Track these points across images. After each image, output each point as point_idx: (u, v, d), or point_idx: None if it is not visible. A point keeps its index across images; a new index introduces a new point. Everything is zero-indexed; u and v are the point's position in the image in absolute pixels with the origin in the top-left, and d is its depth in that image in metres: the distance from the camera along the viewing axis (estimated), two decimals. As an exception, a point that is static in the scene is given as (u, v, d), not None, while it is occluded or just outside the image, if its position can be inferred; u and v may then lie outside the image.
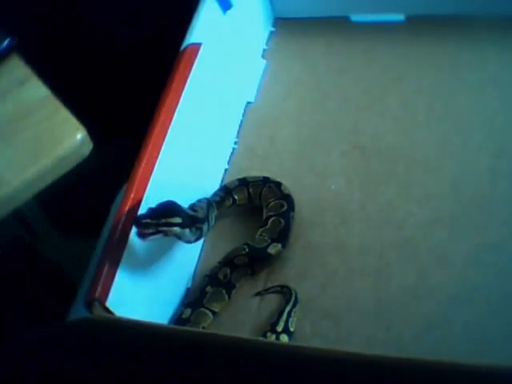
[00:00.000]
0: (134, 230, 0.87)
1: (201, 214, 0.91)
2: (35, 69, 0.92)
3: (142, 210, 0.89)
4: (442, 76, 1.11)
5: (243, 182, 1.02)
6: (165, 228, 0.85)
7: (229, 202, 1.01)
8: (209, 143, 1.06)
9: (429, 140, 1.04)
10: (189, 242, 0.90)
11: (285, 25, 1.24)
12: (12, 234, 1.24)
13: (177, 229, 0.86)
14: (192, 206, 0.93)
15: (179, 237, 0.88)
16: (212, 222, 0.95)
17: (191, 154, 1.01)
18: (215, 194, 1.01)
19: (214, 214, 0.95)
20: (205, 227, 0.92)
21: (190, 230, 0.88)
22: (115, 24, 1.28)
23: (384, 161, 1.03)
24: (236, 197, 1.01)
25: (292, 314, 0.90)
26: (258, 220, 1.00)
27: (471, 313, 0.86)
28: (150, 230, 0.84)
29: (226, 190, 1.01)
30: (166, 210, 0.86)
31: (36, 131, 0.86)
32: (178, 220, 0.86)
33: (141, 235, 0.84)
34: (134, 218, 0.85)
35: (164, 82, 0.99)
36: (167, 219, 0.85)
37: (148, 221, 0.84)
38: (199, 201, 0.95)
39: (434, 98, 1.09)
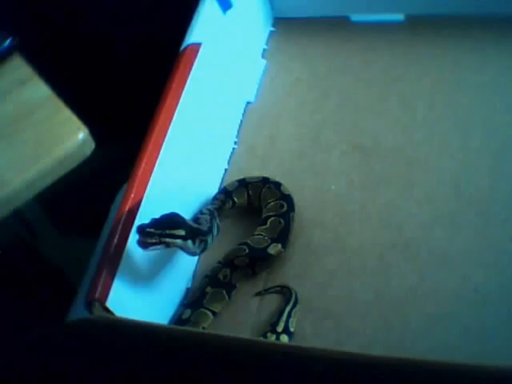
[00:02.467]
0: (133, 231, 0.87)
1: (204, 227, 0.91)
2: (35, 69, 0.92)
3: (142, 211, 0.89)
4: (441, 76, 1.11)
5: (243, 183, 1.02)
6: (168, 239, 0.84)
7: (229, 205, 1.01)
8: (209, 143, 1.06)
9: (429, 140, 1.04)
10: (194, 254, 0.90)
11: (285, 25, 1.24)
12: (12, 234, 1.24)
13: (179, 241, 0.85)
14: (196, 219, 0.93)
15: (182, 249, 0.88)
16: (215, 232, 0.94)
17: (191, 154, 1.01)
18: (215, 198, 1.01)
19: (216, 224, 0.95)
20: (209, 239, 0.91)
21: (194, 243, 0.87)
22: (115, 24, 1.28)
23: (384, 161, 1.03)
24: (236, 199, 1.01)
25: (292, 314, 0.90)
26: (258, 220, 1.00)
27: (471, 313, 0.86)
28: (153, 240, 0.83)
29: (225, 193, 1.01)
30: (170, 222, 0.86)
31: (37, 131, 0.86)
32: (181, 232, 0.85)
33: (142, 245, 0.83)
34: (137, 226, 0.84)
35: (164, 82, 0.99)
36: (171, 231, 0.85)
37: (152, 230, 0.83)
38: (202, 212, 0.95)
39: (434, 98, 1.09)
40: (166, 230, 0.84)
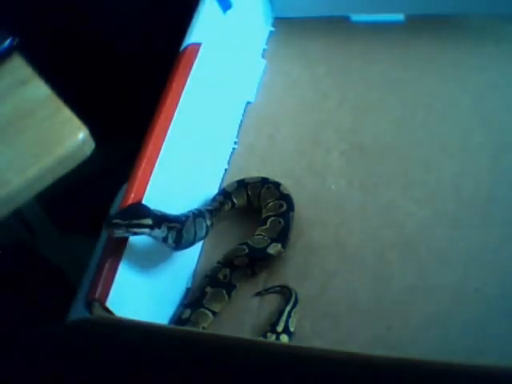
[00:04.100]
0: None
1: (172, 216, 0.90)
2: (35, 69, 0.92)
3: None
4: (441, 76, 1.11)
5: (242, 184, 1.02)
6: (135, 229, 0.85)
7: (228, 206, 1.00)
8: (209, 143, 1.06)
9: (429, 140, 1.04)
10: (168, 244, 0.89)
11: (285, 25, 1.24)
12: (12, 234, 1.24)
13: (147, 230, 0.86)
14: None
15: (153, 237, 0.88)
16: (201, 232, 0.94)
17: (191, 154, 1.01)
18: (214, 199, 1.01)
19: (205, 224, 0.94)
20: (186, 234, 0.90)
21: (161, 230, 0.87)
22: (115, 24, 1.28)
23: (384, 161, 1.03)
24: (235, 200, 1.01)
25: (292, 314, 0.90)
26: (257, 220, 1.00)
27: (471, 313, 0.86)
28: (120, 231, 0.84)
29: (224, 194, 1.01)
30: (137, 211, 0.86)
31: (38, 131, 0.86)
32: (148, 221, 0.86)
33: (110, 234, 0.85)
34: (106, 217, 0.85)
35: (164, 82, 0.99)
36: (138, 220, 0.85)
37: (118, 221, 0.84)
38: (189, 211, 0.94)
39: (434, 97, 1.09)
40: (132, 220, 0.85)
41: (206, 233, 0.95)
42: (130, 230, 0.85)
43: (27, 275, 1.27)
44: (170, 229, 0.88)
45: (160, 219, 0.87)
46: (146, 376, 0.67)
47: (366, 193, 1.01)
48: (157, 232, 0.87)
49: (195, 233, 0.92)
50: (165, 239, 0.88)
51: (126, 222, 0.84)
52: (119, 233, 0.85)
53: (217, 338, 0.73)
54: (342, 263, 0.94)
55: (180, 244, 0.90)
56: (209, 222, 0.95)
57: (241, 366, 0.65)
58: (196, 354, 0.67)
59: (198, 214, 0.94)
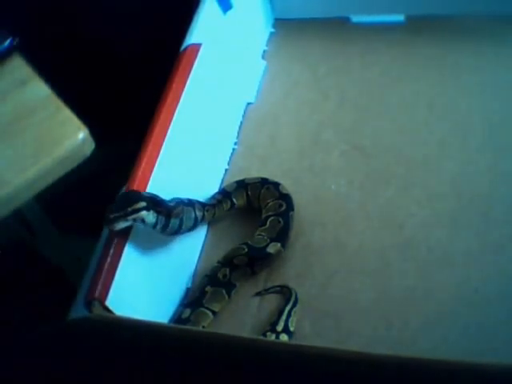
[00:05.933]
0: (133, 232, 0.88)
1: (161, 199, 0.90)
2: (35, 69, 0.92)
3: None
4: (441, 76, 1.11)
5: (242, 184, 1.02)
6: (134, 215, 0.86)
7: (227, 206, 1.00)
8: (209, 143, 1.06)
9: (429, 140, 1.04)
10: (156, 231, 0.89)
11: (285, 26, 1.24)
12: (12, 234, 1.24)
13: (144, 212, 0.86)
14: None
15: (145, 222, 0.88)
16: (189, 221, 0.93)
17: (191, 154, 1.01)
18: (212, 197, 1.01)
19: (193, 213, 0.94)
20: (174, 220, 0.90)
21: (153, 214, 0.88)
22: (115, 24, 1.28)
23: (384, 161, 1.03)
24: (235, 200, 1.01)
25: (292, 313, 0.90)
26: (258, 220, 1.00)
27: (471, 312, 0.86)
28: (121, 223, 0.85)
29: (224, 193, 1.01)
30: (129, 199, 0.87)
31: (37, 131, 0.86)
32: (143, 204, 0.87)
33: (112, 228, 0.86)
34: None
35: (164, 82, 0.99)
36: (133, 206, 0.86)
37: (116, 215, 0.85)
38: (179, 199, 0.94)
39: (434, 98, 1.09)
40: (128, 208, 0.86)
41: (195, 224, 0.95)
42: (129, 217, 0.86)
43: (27, 275, 1.27)
44: (158, 213, 0.89)
45: (152, 201, 0.88)
46: (146, 375, 0.67)
47: (366, 193, 1.01)
48: (150, 216, 0.87)
49: (181, 221, 0.92)
50: (154, 225, 0.89)
51: (123, 212, 0.85)
52: (120, 224, 0.86)
53: (217, 337, 0.73)
54: (342, 263, 0.94)
55: (166, 230, 0.90)
56: (199, 214, 0.95)
57: (241, 366, 0.65)
58: (196, 353, 0.67)
59: (187, 203, 0.94)
